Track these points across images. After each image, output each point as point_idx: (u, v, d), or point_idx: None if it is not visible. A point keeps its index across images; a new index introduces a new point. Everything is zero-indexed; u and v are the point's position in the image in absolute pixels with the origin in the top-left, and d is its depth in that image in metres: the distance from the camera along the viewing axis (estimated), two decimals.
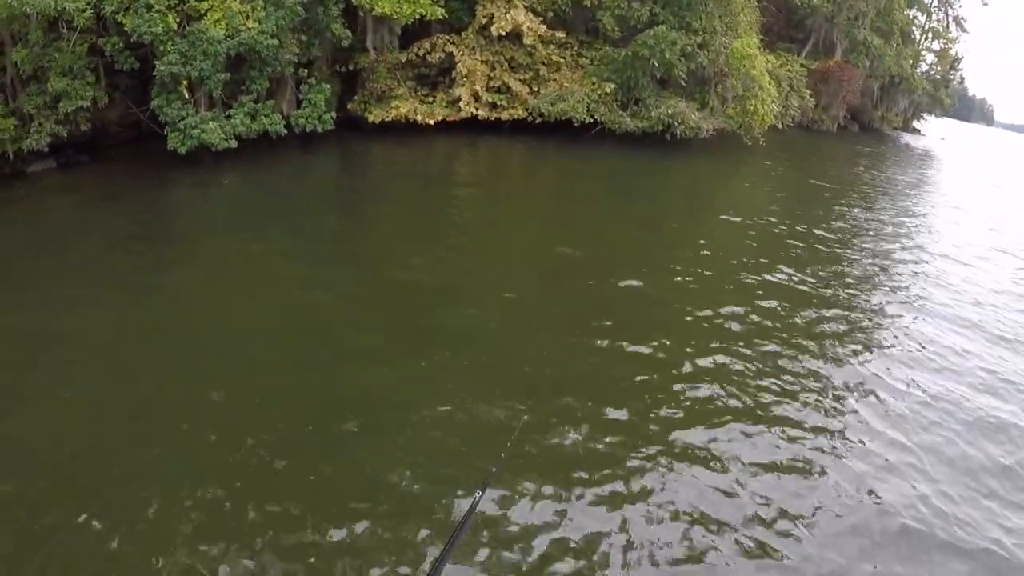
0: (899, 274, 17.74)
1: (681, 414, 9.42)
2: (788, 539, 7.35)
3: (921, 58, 67.01)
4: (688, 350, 11.22)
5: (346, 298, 12.56)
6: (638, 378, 10.22)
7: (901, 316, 14.50)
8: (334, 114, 23.95)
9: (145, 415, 8.68)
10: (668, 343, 11.44)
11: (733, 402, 9.85)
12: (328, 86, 23.95)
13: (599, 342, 11.25)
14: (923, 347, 12.86)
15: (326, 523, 6.95)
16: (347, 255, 15.10)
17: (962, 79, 77.85)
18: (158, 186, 19.32)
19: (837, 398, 10.51)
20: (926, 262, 19.00)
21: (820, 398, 10.37)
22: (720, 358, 11.09)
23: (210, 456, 7.89)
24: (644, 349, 11.10)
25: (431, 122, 25.99)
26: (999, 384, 11.85)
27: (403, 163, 24.51)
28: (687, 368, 10.69)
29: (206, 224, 17.57)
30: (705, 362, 10.92)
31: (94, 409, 8.85)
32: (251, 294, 12.54)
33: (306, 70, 23.47)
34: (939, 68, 69.73)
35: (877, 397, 10.72)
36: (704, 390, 10.09)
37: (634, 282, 14.23)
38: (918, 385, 11.21)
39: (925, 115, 72.15)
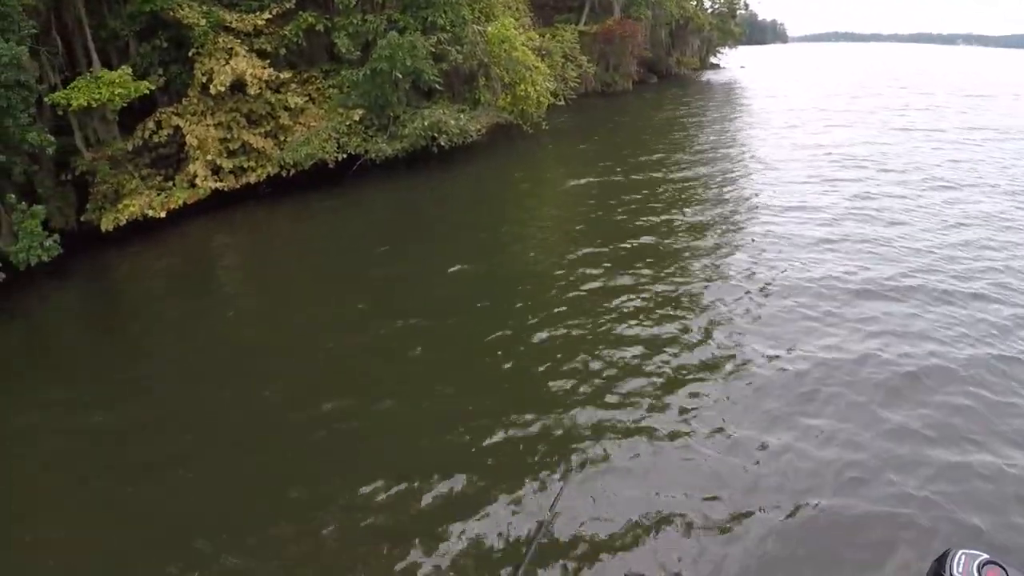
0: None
1: None
2: None
3: None
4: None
5: None
6: None
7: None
8: (58, 237, 18.31)
9: None
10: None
11: None
12: (41, 207, 18.45)
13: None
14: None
15: None
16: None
17: (747, 6, 76.63)
18: None
19: None
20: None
21: None
22: None
23: None
24: None
25: (163, 214, 20.56)
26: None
27: (154, 274, 18.84)
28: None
29: None
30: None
31: None
32: None
33: (13, 195, 18.01)
34: (723, 1, 68.62)
35: None
36: None
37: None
38: None
39: (721, 49, 70.95)
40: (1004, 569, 1.46)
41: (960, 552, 1.57)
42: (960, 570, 1.50)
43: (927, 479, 7.46)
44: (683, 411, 8.93)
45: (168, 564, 7.11)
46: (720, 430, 8.52)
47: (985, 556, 1.51)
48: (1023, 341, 10.63)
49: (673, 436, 8.42)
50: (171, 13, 21.31)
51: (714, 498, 7.30)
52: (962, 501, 7.14)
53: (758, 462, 7.88)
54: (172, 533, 7.57)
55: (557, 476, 7.76)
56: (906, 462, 7.74)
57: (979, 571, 1.46)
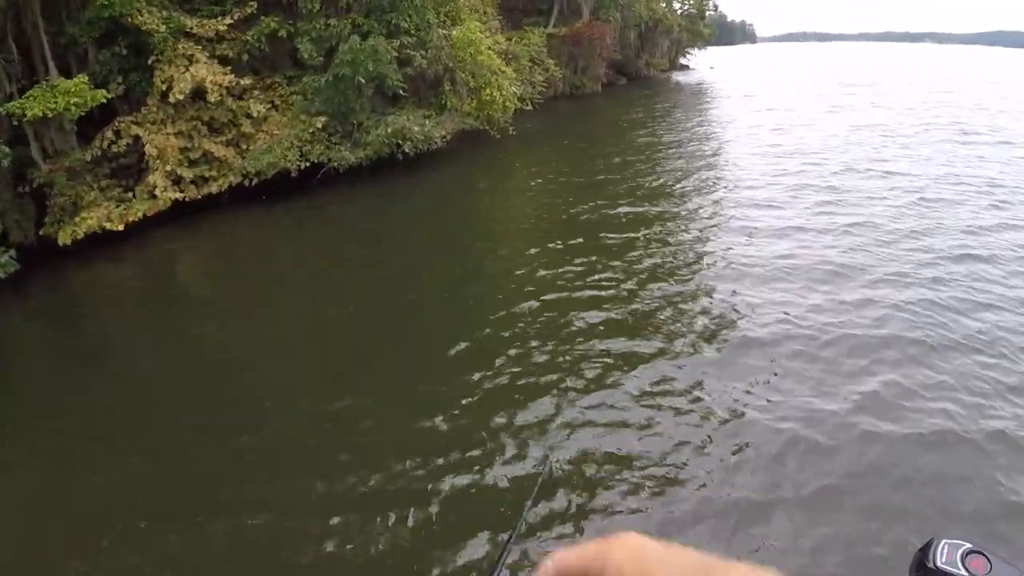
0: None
1: None
2: None
3: None
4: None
5: None
6: None
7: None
8: (14, 252, 17.71)
9: None
10: None
11: None
12: None
13: None
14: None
15: None
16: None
17: (716, 7, 76.66)
18: None
19: None
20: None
21: None
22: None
23: None
24: None
25: (121, 227, 19.98)
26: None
27: (116, 287, 18.45)
28: None
29: None
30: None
31: None
32: None
33: None
34: (692, 2, 68.61)
35: None
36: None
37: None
38: None
39: (690, 50, 70.98)
40: (988, 558, 1.39)
41: (943, 542, 1.49)
42: (944, 560, 1.44)
43: (904, 464, 7.51)
44: (654, 405, 8.95)
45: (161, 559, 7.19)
46: (691, 416, 8.66)
47: (969, 545, 1.43)
48: (982, 327, 10.86)
49: (644, 427, 8.49)
50: (130, 19, 20.80)
51: (687, 487, 7.38)
52: (943, 486, 7.18)
53: (730, 450, 7.92)
54: (168, 523, 7.66)
55: (533, 470, 7.80)
56: (880, 448, 7.78)
57: (963, 560, 1.40)
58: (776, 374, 9.43)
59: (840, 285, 12.47)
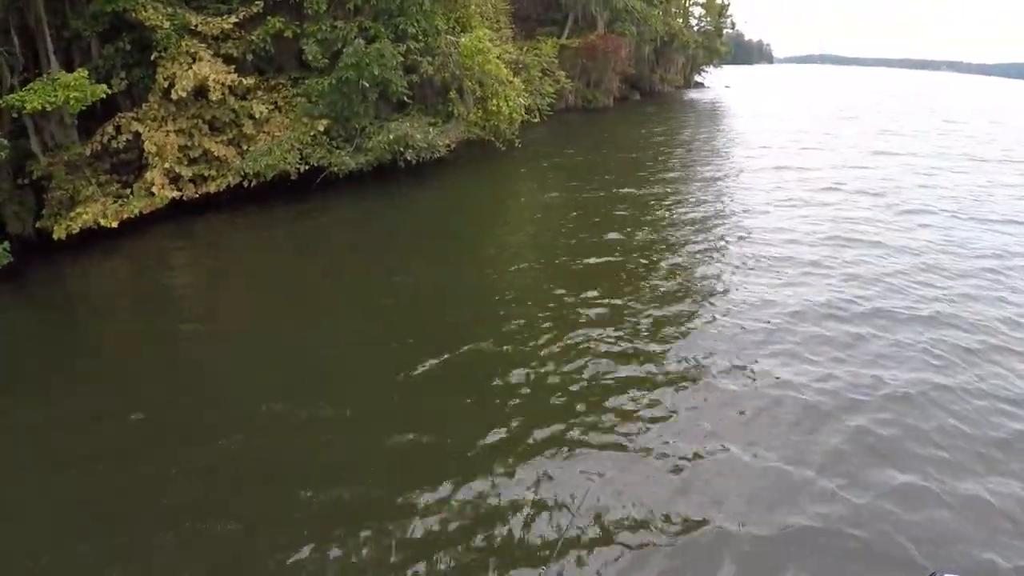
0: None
1: None
2: None
3: (690, 13, 65.34)
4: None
5: None
6: None
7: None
8: (8, 244, 17.40)
9: None
10: None
11: None
12: None
13: None
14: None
15: None
16: None
17: (734, 25, 76.34)
18: None
19: None
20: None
21: None
22: None
23: None
24: None
25: (115, 224, 19.49)
26: None
27: (109, 284, 18.13)
28: None
29: None
30: None
31: None
32: None
33: None
34: (709, 19, 68.27)
35: None
36: None
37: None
38: None
39: (706, 68, 70.71)
40: None
41: None
42: None
43: (895, 500, 7.42)
44: (646, 427, 8.89)
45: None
46: (683, 443, 8.59)
47: None
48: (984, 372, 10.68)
49: (642, 450, 8.46)
50: (134, 14, 20.58)
51: (680, 509, 7.38)
52: (937, 532, 6.98)
53: (722, 473, 7.92)
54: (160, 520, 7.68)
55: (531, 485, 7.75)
56: (875, 488, 7.65)
57: None
58: (783, 415, 9.24)
59: (842, 317, 12.33)
